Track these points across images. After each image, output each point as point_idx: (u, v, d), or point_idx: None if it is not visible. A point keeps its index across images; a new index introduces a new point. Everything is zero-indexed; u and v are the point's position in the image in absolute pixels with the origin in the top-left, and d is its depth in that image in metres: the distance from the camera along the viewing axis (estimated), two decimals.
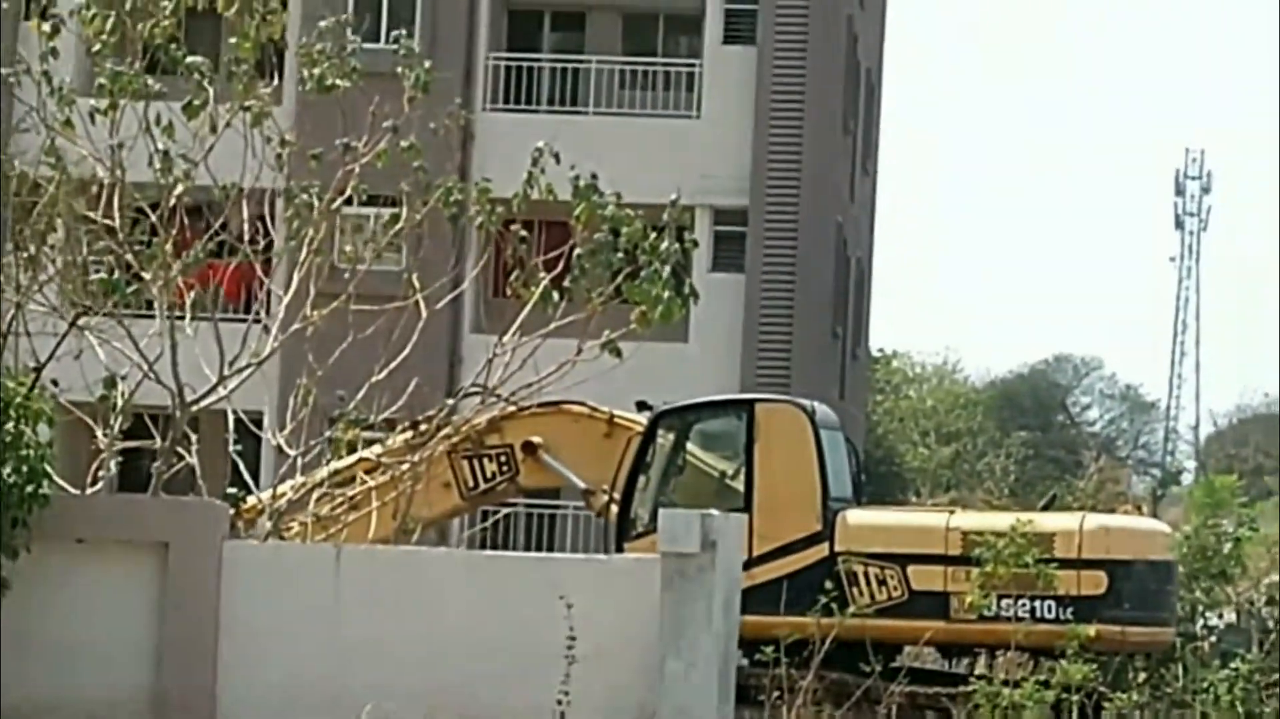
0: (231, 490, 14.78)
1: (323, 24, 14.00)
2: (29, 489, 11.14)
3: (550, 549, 33.36)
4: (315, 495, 16.03)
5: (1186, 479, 76.45)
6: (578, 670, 13.38)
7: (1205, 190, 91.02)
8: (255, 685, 13.43)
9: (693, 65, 38.42)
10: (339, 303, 14.26)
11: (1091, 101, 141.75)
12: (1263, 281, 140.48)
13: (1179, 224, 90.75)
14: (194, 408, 13.74)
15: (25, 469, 11.18)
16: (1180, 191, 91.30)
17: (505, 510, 29.70)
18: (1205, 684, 19.95)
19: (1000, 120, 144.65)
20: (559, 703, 13.16)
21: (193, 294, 14.09)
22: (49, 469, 11.47)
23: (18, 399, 11.23)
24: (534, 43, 41.44)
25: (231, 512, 13.95)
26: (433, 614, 13.90)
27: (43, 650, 11.88)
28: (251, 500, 15.63)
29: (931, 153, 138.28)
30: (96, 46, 12.27)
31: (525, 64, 38.71)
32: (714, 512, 13.96)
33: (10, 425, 11.14)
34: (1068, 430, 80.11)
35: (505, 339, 15.40)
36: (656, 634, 13.61)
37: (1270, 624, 22.12)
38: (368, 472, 17.14)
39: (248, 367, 13.99)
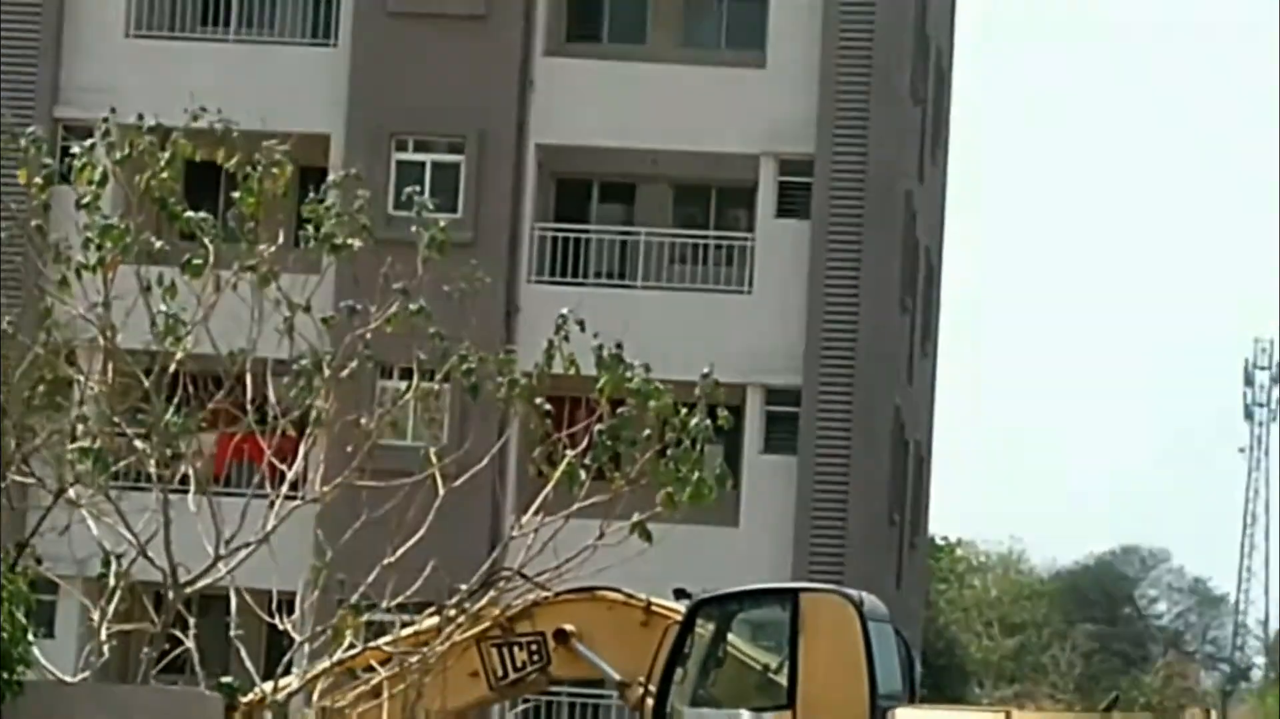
0: (226, 680, 14.42)
1: (331, 178, 13.65)
2: (2, 676, 10.80)
3: None
4: (320, 685, 15.71)
5: (1256, 675, 77.53)
6: None
7: (1275, 380, 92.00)
8: None
9: (745, 239, 38.34)
10: (342, 480, 14.07)
11: (1156, 286, 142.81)
12: None
13: (1248, 414, 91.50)
14: (188, 589, 13.58)
15: None
16: (1250, 382, 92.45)
17: (548, 698, 29.66)
18: None
19: (1063, 304, 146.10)
20: None
21: (192, 466, 13.93)
22: (25, 653, 11.21)
23: None
24: (582, 213, 41.26)
25: (227, 702, 13.74)
26: None
27: None
28: (257, 691, 15.35)
29: (994, 335, 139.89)
30: (87, 198, 11.84)
31: (572, 234, 38.65)
32: (744, 713, 15.79)
33: None
34: (1135, 624, 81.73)
35: (524, 520, 15.06)
36: None
37: None
38: (382, 662, 16.75)
39: (248, 545, 13.67)
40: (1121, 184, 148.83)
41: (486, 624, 18.54)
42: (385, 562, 14.91)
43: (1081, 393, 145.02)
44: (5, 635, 10.83)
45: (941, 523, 62.39)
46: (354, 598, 14.60)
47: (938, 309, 47.94)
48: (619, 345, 13.71)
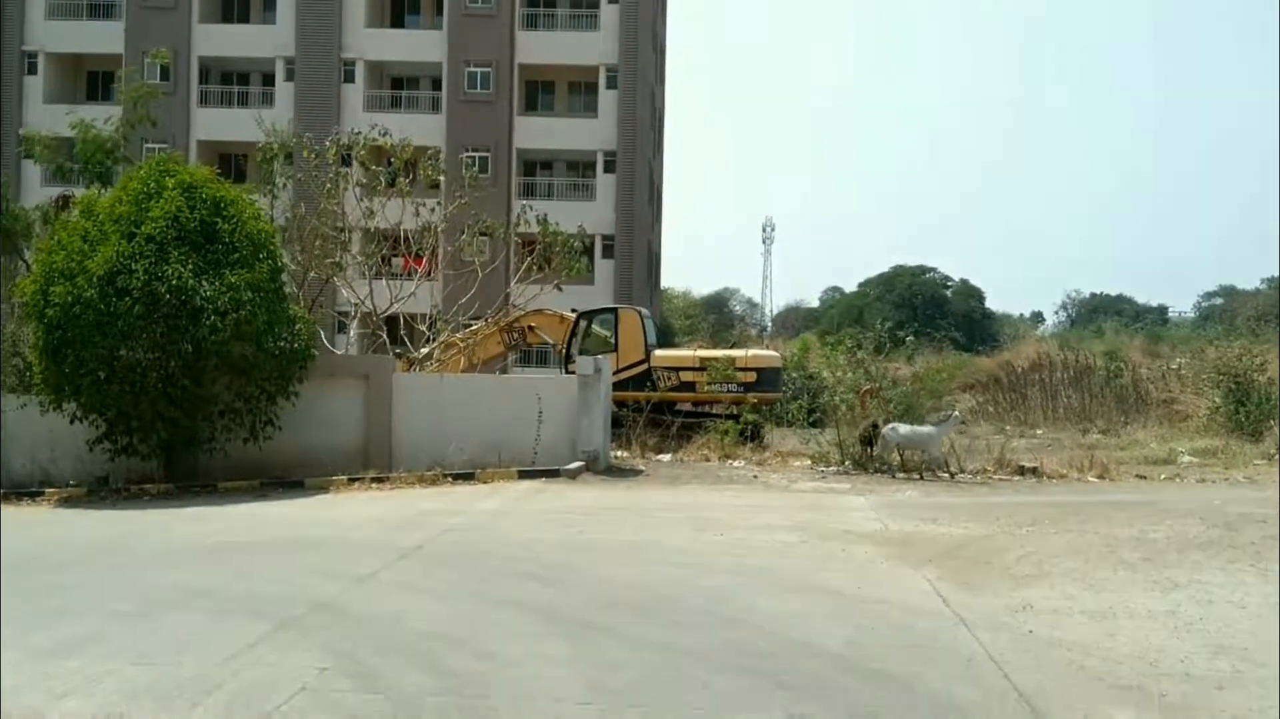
0: (399, 351, 23.35)
1: None
2: None
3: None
4: (437, 354, 25.97)
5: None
6: (544, 428, 19.60)
7: None
8: (406, 435, 19.70)
9: None
10: None
11: None
12: None
13: None
14: None
15: None
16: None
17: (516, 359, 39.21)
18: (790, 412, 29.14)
19: None
20: (536, 440, 19.21)
21: None
22: None
23: None
24: None
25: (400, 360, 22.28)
26: (482, 404, 19.46)
27: None
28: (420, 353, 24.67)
29: None
30: None
31: None
32: (600, 356, 20.65)
33: None
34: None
35: (511, 287, 26.17)
36: (577, 409, 19.48)
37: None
38: (460, 343, 26.71)
39: None
40: None
41: (503, 325, 27.89)
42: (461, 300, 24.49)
43: None
44: None
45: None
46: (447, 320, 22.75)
47: None
48: None
